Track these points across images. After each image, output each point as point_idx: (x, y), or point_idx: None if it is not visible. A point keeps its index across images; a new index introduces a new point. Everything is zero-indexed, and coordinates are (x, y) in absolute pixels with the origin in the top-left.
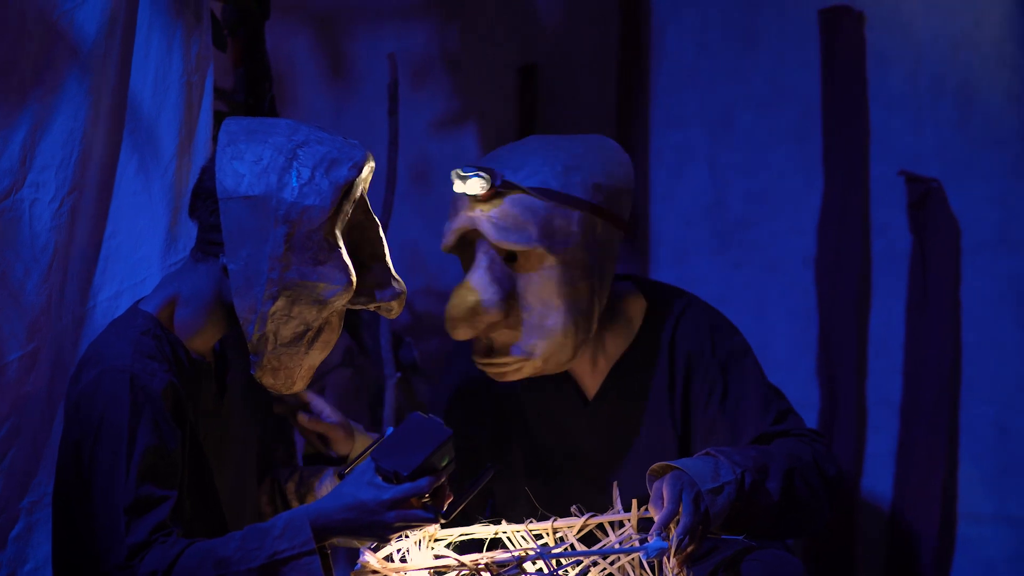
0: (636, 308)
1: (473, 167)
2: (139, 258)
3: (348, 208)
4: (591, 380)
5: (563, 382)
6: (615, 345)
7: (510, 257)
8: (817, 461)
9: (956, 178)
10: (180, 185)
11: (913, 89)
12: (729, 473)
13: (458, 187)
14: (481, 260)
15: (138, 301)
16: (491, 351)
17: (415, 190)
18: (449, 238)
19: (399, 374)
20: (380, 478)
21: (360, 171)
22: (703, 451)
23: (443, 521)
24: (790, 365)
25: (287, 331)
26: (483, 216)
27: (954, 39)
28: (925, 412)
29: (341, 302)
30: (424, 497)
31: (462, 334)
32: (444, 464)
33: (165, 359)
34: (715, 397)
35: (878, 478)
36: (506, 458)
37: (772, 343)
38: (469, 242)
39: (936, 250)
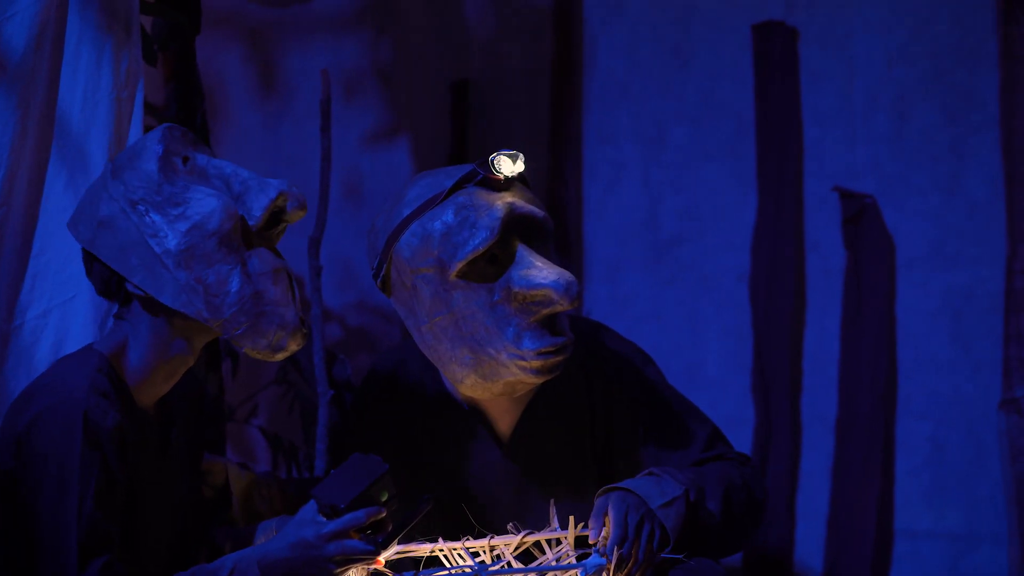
0: None
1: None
2: (68, 276)
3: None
4: (505, 421)
5: (475, 423)
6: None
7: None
8: (747, 483)
9: (890, 194)
10: None
11: (847, 104)
12: (676, 488)
13: (509, 168)
14: (523, 249)
15: (92, 343)
16: (554, 333)
17: (348, 206)
18: (497, 231)
19: (332, 391)
20: (322, 516)
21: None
22: (645, 471)
23: (384, 552)
24: (724, 382)
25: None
26: (519, 200)
27: (888, 54)
28: (860, 428)
29: (277, 206)
30: (367, 531)
31: (576, 301)
32: (384, 499)
33: (116, 399)
34: (638, 433)
35: (813, 495)
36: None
37: (706, 360)
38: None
39: (870, 266)
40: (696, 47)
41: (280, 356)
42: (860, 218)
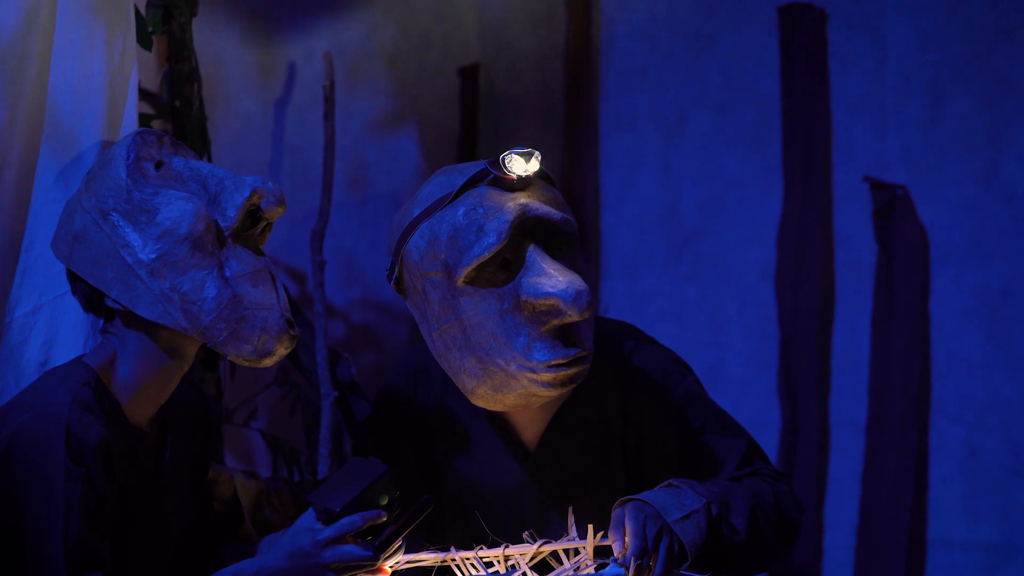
0: None
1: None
2: (59, 270)
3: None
4: (530, 430)
5: (499, 432)
6: None
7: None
8: (779, 501)
9: (924, 185)
10: None
11: (878, 90)
12: (695, 501)
13: (521, 167)
14: (539, 253)
15: (81, 356)
16: (567, 344)
17: (352, 197)
18: (505, 235)
19: (336, 393)
20: (319, 523)
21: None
22: (664, 483)
23: (387, 559)
24: (748, 383)
25: (257, 287)
26: (534, 201)
27: (922, 37)
28: (892, 432)
29: (253, 204)
30: (367, 536)
31: (587, 312)
32: (385, 503)
33: (103, 414)
34: (671, 447)
35: (843, 502)
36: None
37: (729, 360)
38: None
39: (903, 261)
40: (719, 29)
41: (268, 361)
42: (892, 210)
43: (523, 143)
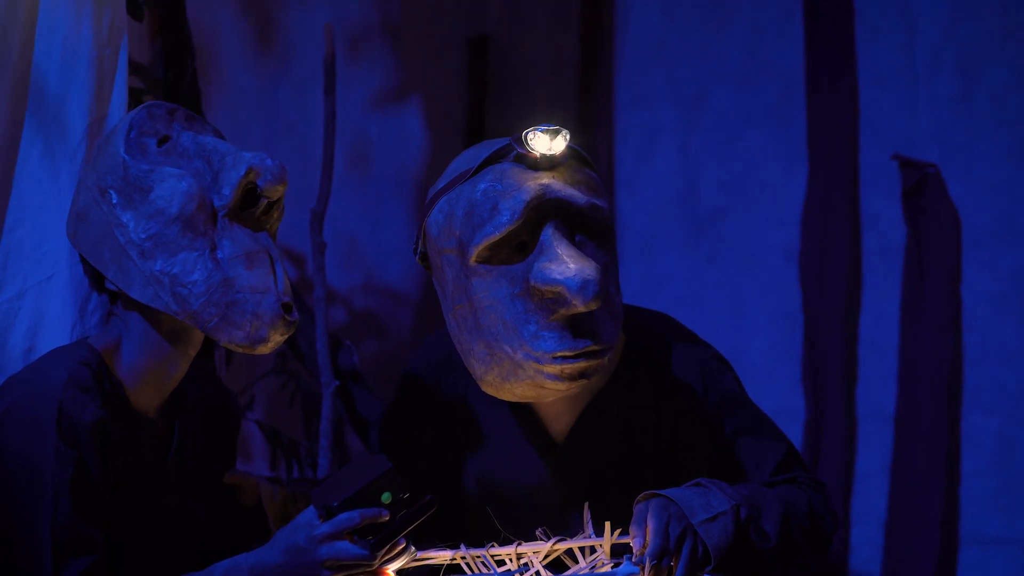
0: None
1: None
2: (44, 252)
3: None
4: (559, 422)
5: (527, 424)
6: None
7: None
8: (814, 510)
9: (956, 163)
10: None
11: (908, 64)
12: (723, 503)
13: (544, 145)
14: (555, 237)
15: (88, 337)
16: (576, 336)
17: (353, 175)
18: (519, 215)
19: (337, 382)
20: (318, 519)
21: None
22: (693, 481)
23: (379, 557)
24: (771, 372)
25: (252, 270)
26: (559, 181)
27: (954, 7)
28: (922, 424)
29: (250, 182)
30: (367, 535)
31: (595, 303)
32: (389, 502)
33: (102, 396)
34: (706, 450)
35: (870, 497)
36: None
37: (751, 347)
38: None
39: (933, 243)
40: (740, 0)
41: (263, 349)
42: (922, 190)
43: (535, 119)
